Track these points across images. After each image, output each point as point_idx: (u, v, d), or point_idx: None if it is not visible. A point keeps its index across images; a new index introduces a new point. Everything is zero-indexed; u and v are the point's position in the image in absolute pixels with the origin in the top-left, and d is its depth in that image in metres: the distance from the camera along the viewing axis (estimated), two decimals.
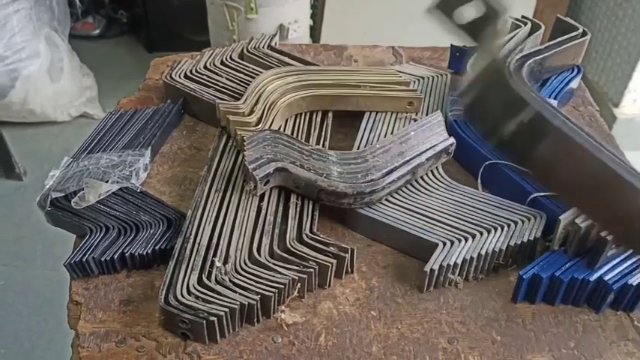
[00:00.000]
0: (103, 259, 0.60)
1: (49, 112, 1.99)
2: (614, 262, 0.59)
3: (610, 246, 0.57)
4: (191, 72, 0.82)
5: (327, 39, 2.01)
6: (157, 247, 0.61)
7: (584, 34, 0.84)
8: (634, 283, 0.57)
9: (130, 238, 0.62)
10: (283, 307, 0.58)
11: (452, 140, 0.70)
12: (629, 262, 0.59)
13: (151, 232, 0.63)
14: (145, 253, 0.61)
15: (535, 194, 0.65)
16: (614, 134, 1.97)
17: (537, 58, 0.77)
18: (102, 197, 0.65)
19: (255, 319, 0.57)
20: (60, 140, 1.97)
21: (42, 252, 1.61)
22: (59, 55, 2.01)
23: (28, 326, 1.45)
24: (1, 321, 1.47)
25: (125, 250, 0.61)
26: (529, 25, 0.84)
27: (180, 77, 0.81)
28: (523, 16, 0.86)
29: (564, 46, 0.81)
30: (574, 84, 0.84)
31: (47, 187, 0.68)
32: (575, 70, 0.85)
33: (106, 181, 0.66)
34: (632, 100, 1.88)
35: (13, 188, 1.82)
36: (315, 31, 2.01)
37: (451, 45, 0.89)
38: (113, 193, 0.66)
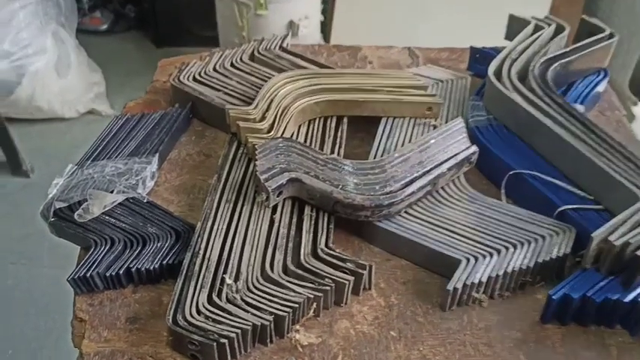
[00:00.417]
0: (108, 275, 0.57)
1: (56, 109, 1.97)
2: None
3: None
4: (200, 74, 0.79)
5: (338, 35, 1.97)
6: (164, 262, 0.58)
7: (610, 36, 0.81)
8: None
9: (136, 252, 0.59)
10: (298, 327, 0.55)
11: (474, 148, 0.66)
12: None
13: (159, 245, 0.60)
14: (152, 268, 0.58)
15: (563, 207, 0.62)
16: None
17: (563, 61, 0.73)
18: (107, 208, 0.62)
19: (268, 340, 0.54)
20: (68, 137, 1.95)
21: (49, 250, 1.59)
22: (66, 50, 1.98)
23: (36, 325, 1.43)
24: (8, 320, 1.45)
25: (131, 265, 0.58)
26: (553, 25, 0.80)
27: (188, 80, 0.78)
28: (547, 17, 0.82)
29: (590, 49, 0.77)
30: (600, 88, 0.80)
31: (50, 196, 0.65)
32: (602, 74, 0.81)
33: (112, 191, 0.63)
34: None
35: (20, 185, 1.80)
36: (325, 27, 1.97)
37: (471, 47, 0.85)
38: (119, 203, 0.63)
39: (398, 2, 1.97)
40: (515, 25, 0.83)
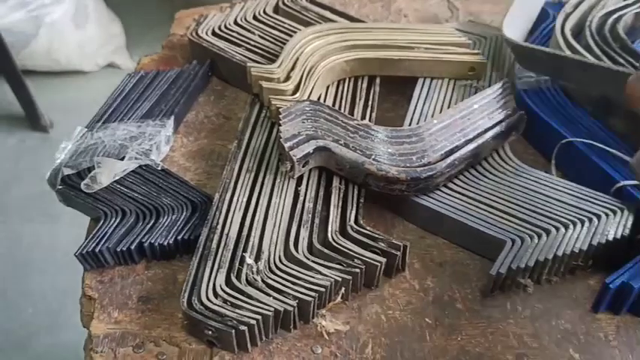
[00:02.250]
0: (119, 249, 0.53)
1: (74, 62, 1.92)
2: None
3: None
4: (219, 28, 0.73)
5: None
6: (179, 237, 0.54)
7: None
8: None
9: (149, 225, 0.55)
10: (324, 312, 0.50)
11: (522, 115, 0.59)
12: None
13: (173, 218, 0.55)
14: (166, 243, 0.53)
15: (623, 182, 0.55)
16: None
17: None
18: (117, 177, 0.57)
19: (292, 325, 0.49)
20: (87, 91, 1.90)
21: (69, 208, 1.57)
22: (84, 0, 1.91)
23: (55, 284, 1.42)
24: (28, 279, 1.44)
25: (144, 240, 0.53)
26: None
27: (207, 34, 0.72)
28: None
29: None
30: None
31: (58, 161, 0.60)
32: None
33: (123, 158, 0.58)
34: None
35: (39, 140, 1.77)
36: None
37: None
38: (131, 170, 0.58)
39: None
40: None
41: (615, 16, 0.65)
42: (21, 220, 1.57)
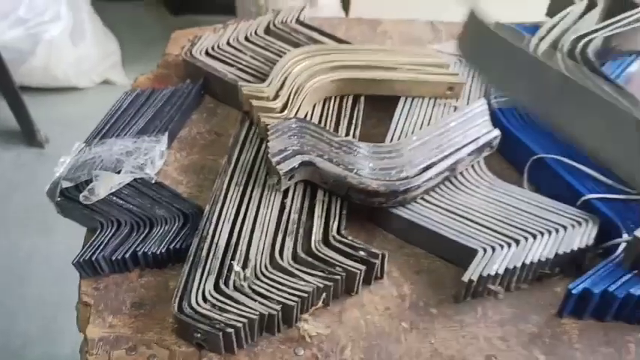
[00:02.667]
0: (114, 258, 0.56)
1: (71, 78, 1.95)
2: None
3: None
4: (212, 49, 0.76)
5: (358, 6, 1.91)
6: (171, 246, 0.57)
7: None
8: None
9: (143, 235, 0.58)
10: (306, 316, 0.53)
11: (497, 132, 0.63)
12: None
13: (166, 228, 0.58)
14: (158, 252, 0.56)
15: (588, 196, 0.59)
16: None
17: (593, 37, 0.69)
18: (114, 190, 0.60)
19: (276, 329, 0.53)
20: (82, 107, 1.93)
21: (64, 220, 1.59)
22: (81, 18, 1.95)
23: (50, 293, 1.45)
24: (23, 289, 1.46)
25: (138, 249, 0.56)
26: (585, 2, 0.76)
27: (201, 54, 0.76)
28: None
29: (627, 27, 0.73)
30: (633, 67, 0.76)
31: (57, 175, 0.63)
32: (635, 54, 0.77)
33: (119, 171, 0.61)
34: None
35: (34, 155, 1.80)
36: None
37: (496, 22, 0.81)
38: (127, 183, 0.62)
39: None
40: (557, 3, 0.79)
41: (586, 39, 0.69)
42: (18, 232, 1.59)
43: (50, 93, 1.96)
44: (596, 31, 0.71)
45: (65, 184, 0.62)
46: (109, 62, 2.02)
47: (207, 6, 2.12)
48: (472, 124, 0.63)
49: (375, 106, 0.73)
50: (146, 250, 0.56)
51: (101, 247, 0.56)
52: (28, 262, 1.53)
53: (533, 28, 0.77)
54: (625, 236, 0.55)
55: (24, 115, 1.76)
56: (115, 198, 0.61)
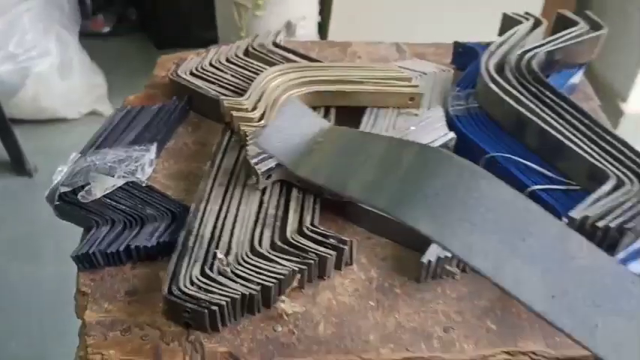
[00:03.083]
0: (109, 252, 0.62)
1: (59, 110, 2.02)
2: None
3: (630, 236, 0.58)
4: (196, 69, 0.84)
5: (335, 36, 2.02)
6: (161, 240, 0.63)
7: (595, 29, 0.85)
8: None
9: (135, 231, 0.64)
10: (283, 298, 0.59)
11: (452, 135, 0.71)
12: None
13: (156, 225, 0.65)
14: (149, 245, 0.62)
15: (533, 187, 0.66)
16: (621, 129, 1.96)
17: (538, 51, 0.77)
18: (108, 191, 0.66)
19: (256, 309, 0.59)
20: (70, 137, 2.00)
21: (53, 247, 1.64)
22: (69, 53, 2.03)
23: (40, 320, 1.48)
24: (13, 316, 1.50)
25: (130, 243, 0.62)
26: (531, 20, 0.85)
27: (185, 74, 0.83)
28: (527, 13, 0.86)
29: (569, 42, 0.81)
30: (575, 79, 0.85)
31: (56, 182, 0.69)
32: (577, 66, 0.85)
33: (113, 176, 0.68)
34: (639, 94, 1.88)
35: (23, 185, 1.85)
36: (323, 28, 2.02)
37: (454, 42, 0.90)
38: (119, 187, 0.68)
39: (397, 10, 2.01)
40: (507, 23, 0.87)
41: (530, 54, 0.78)
42: (6, 259, 1.63)
43: (39, 124, 2.03)
44: (540, 46, 0.80)
45: (63, 189, 0.68)
46: (96, 94, 2.10)
47: (191, 40, 2.20)
48: (430, 128, 0.71)
49: (345, 117, 0.80)
50: (138, 244, 0.62)
51: (97, 242, 0.62)
52: (17, 289, 1.56)
53: (487, 46, 0.85)
54: (564, 220, 0.62)
55: (14, 146, 1.81)
56: (108, 200, 0.67)
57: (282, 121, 0.48)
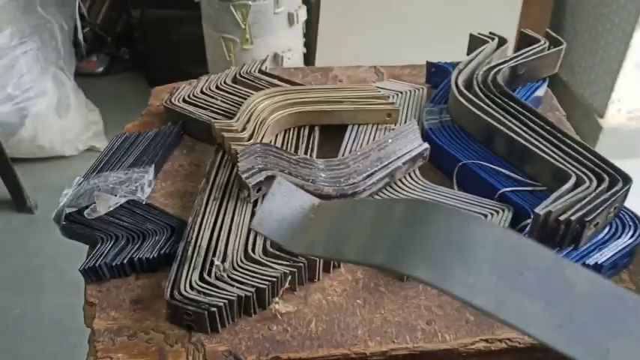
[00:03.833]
0: (114, 264, 0.67)
1: (57, 147, 2.08)
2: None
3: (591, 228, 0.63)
4: (189, 96, 0.90)
5: (321, 65, 2.10)
6: (162, 252, 0.68)
7: (556, 44, 0.91)
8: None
9: (137, 245, 0.69)
10: (277, 299, 0.64)
11: (426, 145, 0.77)
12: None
13: (157, 238, 0.70)
14: (151, 257, 0.68)
15: (503, 190, 0.72)
16: (600, 143, 2.03)
17: (503, 67, 0.84)
18: (111, 209, 0.72)
19: (252, 311, 0.63)
20: (68, 173, 2.04)
21: (54, 280, 1.68)
22: (66, 92, 2.10)
23: (43, 351, 1.51)
24: (16, 347, 1.53)
25: (134, 256, 0.67)
26: (496, 40, 0.92)
27: (179, 102, 0.89)
28: (491, 32, 0.93)
29: (532, 57, 0.88)
30: (540, 92, 0.91)
31: (61, 204, 0.75)
32: (541, 80, 0.92)
33: (115, 195, 0.73)
34: (616, 110, 1.95)
35: (25, 221, 1.90)
36: (309, 58, 2.10)
37: (427, 62, 0.97)
38: (121, 206, 0.73)
39: (378, 35, 2.10)
40: (474, 43, 0.94)
41: (496, 69, 0.84)
42: (10, 293, 1.67)
43: (38, 162, 2.08)
44: (505, 62, 0.86)
45: (69, 210, 0.73)
46: (92, 131, 2.16)
47: (182, 76, 2.28)
48: (405, 139, 0.77)
49: (329, 136, 0.86)
50: (141, 256, 0.67)
51: (102, 256, 0.67)
52: (19, 322, 1.60)
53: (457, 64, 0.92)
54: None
55: (14, 184, 1.87)
56: (111, 218, 0.72)
57: (273, 203, 0.53)
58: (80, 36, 2.29)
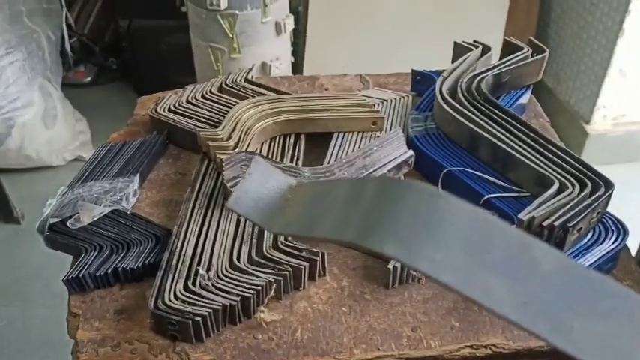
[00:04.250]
0: (97, 274, 0.66)
1: (44, 158, 2.07)
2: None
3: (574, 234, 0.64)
4: (174, 106, 0.90)
5: (309, 74, 2.10)
6: (146, 261, 0.68)
7: (539, 52, 0.92)
8: None
9: (121, 255, 0.69)
10: (262, 308, 0.64)
11: (411, 153, 0.77)
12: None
13: (141, 248, 0.69)
14: (135, 267, 0.67)
15: (488, 196, 0.72)
16: (587, 150, 2.05)
17: (486, 75, 0.85)
18: (95, 219, 0.71)
19: (237, 319, 0.63)
20: (56, 184, 2.00)
21: (41, 291, 1.67)
22: (53, 103, 2.09)
23: None
24: (3, 359, 1.51)
25: (118, 266, 0.67)
26: (480, 48, 0.92)
27: (164, 111, 0.89)
28: (475, 41, 0.94)
29: (516, 65, 0.89)
30: (524, 99, 0.92)
31: (45, 214, 0.74)
32: (525, 88, 0.93)
33: (99, 205, 0.73)
34: (601, 116, 1.97)
35: (11, 232, 1.88)
36: (297, 67, 2.11)
37: (412, 70, 0.97)
38: (105, 215, 0.73)
39: (366, 46, 2.11)
40: (458, 51, 0.95)
41: (479, 77, 0.85)
42: None
43: (25, 173, 2.07)
44: (489, 70, 0.87)
45: (53, 220, 0.73)
46: (80, 141, 2.15)
47: (170, 86, 2.28)
48: (390, 147, 0.77)
49: (315, 144, 0.86)
50: (125, 266, 0.67)
51: (86, 266, 0.67)
52: (6, 334, 1.58)
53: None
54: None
55: (1, 194, 1.85)
56: (95, 228, 0.72)
57: (250, 182, 0.53)
58: (67, 46, 2.28)
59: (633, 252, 0.73)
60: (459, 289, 0.36)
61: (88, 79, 2.56)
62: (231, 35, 1.75)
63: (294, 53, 2.05)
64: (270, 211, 0.52)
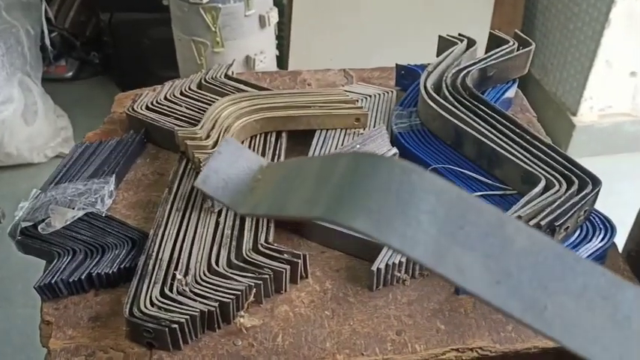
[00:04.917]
0: (71, 280, 0.64)
1: (25, 155, 2.03)
2: None
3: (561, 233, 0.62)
4: (152, 103, 0.87)
5: (294, 68, 2.08)
6: (122, 266, 0.65)
7: (525, 45, 0.90)
8: None
9: (96, 260, 0.66)
10: (242, 313, 0.62)
11: (395, 150, 0.75)
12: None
13: (117, 252, 0.67)
14: (110, 272, 0.65)
15: (473, 193, 0.70)
16: (574, 141, 2.04)
17: (472, 69, 0.83)
18: (68, 223, 0.69)
19: (216, 325, 0.61)
20: (37, 181, 1.97)
21: (23, 291, 1.64)
22: (33, 98, 2.05)
23: None
24: None
25: (92, 271, 0.65)
26: (465, 41, 0.90)
27: (142, 109, 0.86)
28: (460, 34, 0.92)
29: (502, 58, 0.87)
30: (510, 93, 0.90)
31: (17, 217, 0.72)
32: (511, 82, 0.91)
33: (73, 208, 0.70)
34: (588, 108, 1.96)
35: None
36: (282, 61, 2.08)
37: (396, 64, 0.95)
38: (79, 219, 0.70)
39: (351, 39, 2.09)
40: (443, 45, 0.93)
41: (464, 72, 0.83)
42: None
43: (5, 170, 2.03)
44: (474, 64, 0.85)
45: (24, 224, 0.70)
46: (61, 137, 2.11)
47: (153, 80, 2.24)
48: (374, 144, 0.75)
49: (297, 141, 0.84)
50: (99, 272, 0.65)
51: (59, 272, 0.65)
52: None
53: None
54: None
55: None
56: (69, 231, 0.69)
57: (220, 162, 0.51)
58: (47, 41, 2.23)
59: (620, 245, 0.72)
60: (431, 266, 0.35)
61: (70, 74, 2.51)
62: (214, 29, 1.72)
63: (279, 46, 2.02)
64: (239, 191, 0.50)
